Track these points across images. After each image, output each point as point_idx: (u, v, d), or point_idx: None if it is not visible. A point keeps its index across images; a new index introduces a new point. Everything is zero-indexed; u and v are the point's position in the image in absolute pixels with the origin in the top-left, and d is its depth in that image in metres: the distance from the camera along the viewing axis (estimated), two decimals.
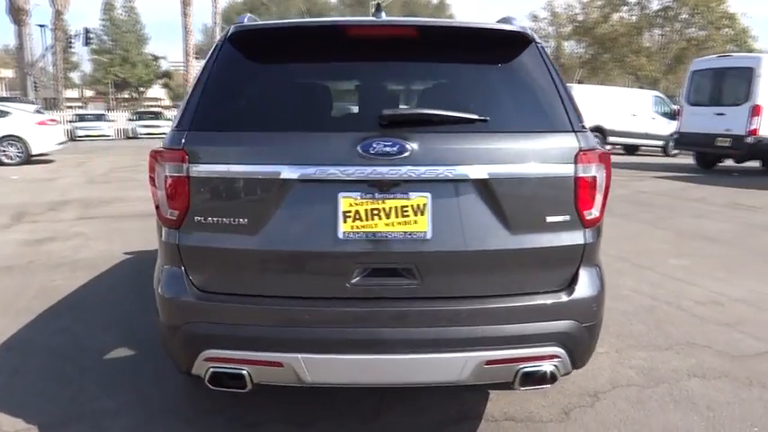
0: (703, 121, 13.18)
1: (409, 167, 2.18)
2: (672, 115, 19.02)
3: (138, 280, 5.00)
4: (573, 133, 2.34)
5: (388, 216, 2.20)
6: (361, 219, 2.20)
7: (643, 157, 19.21)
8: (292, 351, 2.20)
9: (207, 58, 2.60)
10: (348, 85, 2.47)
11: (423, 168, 2.19)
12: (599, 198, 2.36)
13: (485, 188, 2.23)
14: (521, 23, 2.57)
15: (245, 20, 2.71)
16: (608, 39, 41.73)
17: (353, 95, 2.45)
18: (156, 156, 2.36)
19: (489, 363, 2.22)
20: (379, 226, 2.20)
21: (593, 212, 2.35)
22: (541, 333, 2.26)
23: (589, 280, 2.38)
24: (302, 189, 2.21)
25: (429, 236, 2.20)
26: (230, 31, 2.50)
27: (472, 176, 2.21)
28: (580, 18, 44.04)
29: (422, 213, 2.21)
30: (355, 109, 2.41)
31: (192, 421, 2.92)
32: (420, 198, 2.21)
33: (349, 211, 2.20)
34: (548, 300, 2.30)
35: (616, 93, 19.84)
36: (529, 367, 2.26)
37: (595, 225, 2.38)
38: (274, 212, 2.22)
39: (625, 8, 42.06)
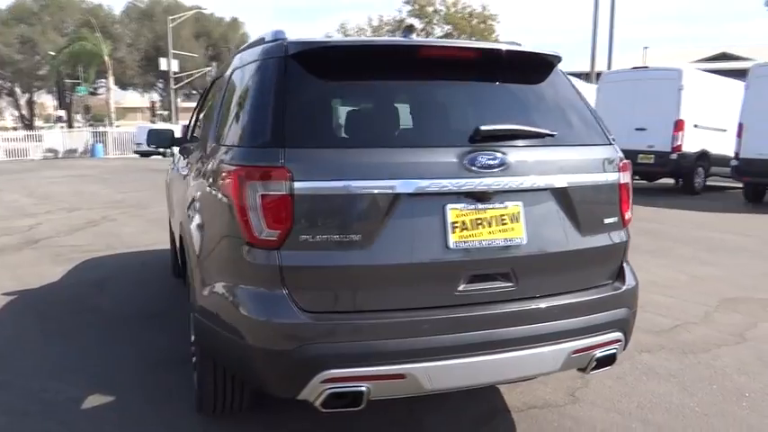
0: (620, 134, 12.84)
1: (507, 178, 2.37)
2: None
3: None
4: (612, 145, 2.71)
5: (489, 225, 2.36)
6: (467, 228, 2.33)
7: None
8: (414, 361, 2.24)
9: (257, 73, 2.54)
10: (427, 102, 2.57)
11: (518, 179, 2.39)
12: (630, 201, 2.75)
13: (563, 196, 2.49)
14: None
15: (284, 36, 2.69)
16: None
17: (435, 112, 2.56)
18: (243, 174, 2.25)
19: (575, 352, 2.48)
20: (483, 234, 2.35)
21: (628, 214, 2.74)
22: (610, 321, 2.57)
23: (630, 272, 2.76)
24: (412, 202, 2.28)
25: (524, 241, 2.41)
26: (290, 48, 2.46)
27: (556, 185, 2.47)
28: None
29: (517, 221, 2.40)
30: (444, 124, 2.52)
31: None
32: (515, 207, 2.40)
33: (457, 222, 2.32)
34: (611, 291, 2.62)
35: None
36: (602, 352, 2.55)
37: (628, 225, 2.77)
38: (385, 226, 2.26)
39: (413, 35, 45.26)
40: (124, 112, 62.98)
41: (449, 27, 44.22)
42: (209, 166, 2.79)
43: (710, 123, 12.82)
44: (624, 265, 2.75)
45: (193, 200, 2.95)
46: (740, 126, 11.23)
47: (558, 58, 2.76)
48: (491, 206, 2.37)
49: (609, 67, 22.80)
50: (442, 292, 2.34)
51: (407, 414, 3.10)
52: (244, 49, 3.28)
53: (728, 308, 4.95)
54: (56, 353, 3.92)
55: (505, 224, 2.38)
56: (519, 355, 2.37)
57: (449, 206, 2.32)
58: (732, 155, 11.47)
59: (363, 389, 2.23)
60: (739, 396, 3.36)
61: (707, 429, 2.99)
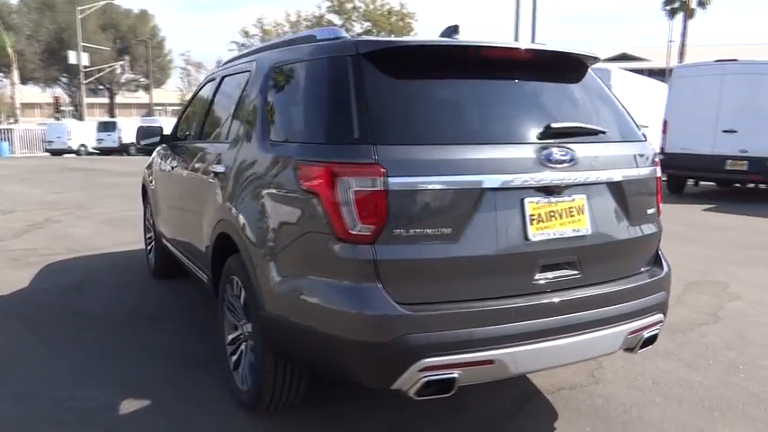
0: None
1: (576, 173, 2.55)
2: None
3: None
4: (647, 141, 2.94)
5: (560, 217, 2.53)
6: (543, 221, 2.48)
7: None
8: (501, 347, 2.37)
9: (326, 71, 2.60)
10: (495, 99, 2.68)
11: (584, 174, 2.57)
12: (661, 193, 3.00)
13: (618, 189, 2.70)
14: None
15: (343, 34, 2.75)
16: None
17: (504, 109, 2.68)
18: (336, 170, 2.30)
19: (631, 333, 2.69)
20: (556, 226, 2.52)
21: (660, 205, 2.98)
22: (655, 304, 2.80)
23: (664, 259, 3.00)
24: (494, 196, 2.41)
25: (588, 232, 2.59)
26: (361, 47, 2.53)
27: (614, 179, 2.67)
28: (289, 37, 46.06)
29: (582, 213, 2.58)
30: (514, 121, 2.64)
31: None
32: (580, 199, 2.58)
33: (534, 215, 2.47)
34: (653, 276, 2.85)
35: None
36: (649, 333, 2.78)
37: (660, 215, 3.01)
38: (472, 220, 2.38)
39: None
40: (22, 107, 59.35)
41: (368, 24, 44.51)
42: (269, 163, 2.80)
43: None
44: (659, 252, 3.00)
45: (246, 197, 2.93)
46: (665, 123, 12.07)
47: (596, 59, 2.97)
48: (561, 199, 2.53)
49: None
50: (522, 281, 2.48)
51: (453, 397, 3.22)
52: (280, 46, 3.29)
53: (695, 291, 5.38)
54: (65, 360, 3.76)
55: (573, 216, 2.56)
56: (588, 338, 2.55)
57: (527, 200, 2.46)
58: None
59: (455, 375, 2.34)
60: (735, 369, 3.71)
61: (720, 398, 3.30)
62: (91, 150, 32.09)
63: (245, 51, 4.01)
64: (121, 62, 46.77)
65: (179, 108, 64.01)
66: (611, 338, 2.63)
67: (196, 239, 3.80)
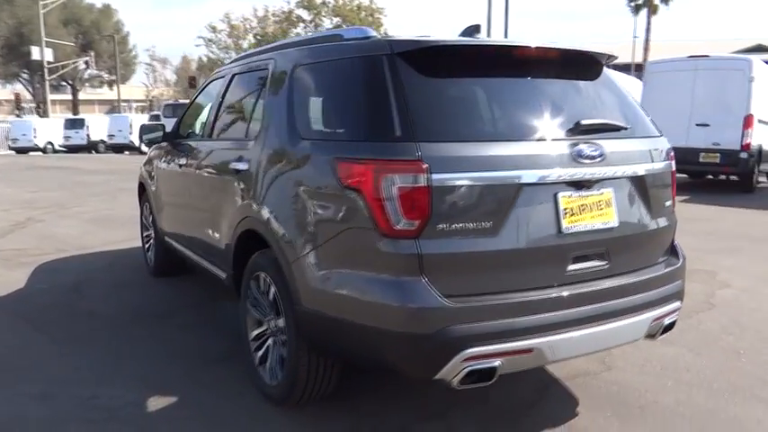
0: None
1: (605, 168, 2.65)
2: None
3: None
4: (663, 136, 3.07)
5: (590, 210, 2.63)
6: (575, 214, 2.58)
7: None
8: (539, 336, 2.46)
9: (361, 70, 2.65)
10: (526, 97, 2.76)
11: (612, 168, 2.68)
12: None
13: (641, 182, 2.81)
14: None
15: (372, 33, 2.80)
16: None
17: (535, 106, 2.76)
18: (381, 167, 2.36)
19: (654, 320, 2.81)
20: (587, 219, 2.62)
21: (675, 198, 3.11)
22: (674, 292, 2.93)
23: (679, 249, 3.13)
24: (531, 191, 2.50)
25: (615, 224, 2.70)
26: (395, 46, 2.59)
27: (638, 173, 2.78)
28: (256, 32, 45.76)
29: (609, 206, 2.69)
30: (545, 118, 2.72)
31: None
32: (608, 193, 2.69)
33: (567, 208, 2.56)
34: (672, 266, 2.98)
35: None
36: (669, 320, 2.90)
37: (675, 207, 3.14)
38: (510, 214, 2.46)
39: (302, 24, 45.04)
40: None
41: (338, 19, 44.35)
42: (301, 161, 2.84)
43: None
44: (675, 242, 3.13)
45: (277, 194, 2.97)
46: None
47: (614, 57, 3.07)
48: (591, 193, 2.63)
49: None
50: (555, 273, 2.58)
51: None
52: (301, 44, 3.32)
53: (687, 279, 5.56)
54: (82, 359, 3.74)
55: (601, 209, 2.66)
56: (618, 326, 2.66)
57: (560, 194, 2.56)
58: None
59: (497, 364, 2.42)
60: (736, 354, 3.88)
61: (727, 382, 3.45)
62: (58, 148, 31.39)
63: (257, 50, 4.02)
64: (87, 58, 45.68)
65: (145, 104, 62.70)
66: (637, 326, 2.74)
67: (211, 237, 3.82)
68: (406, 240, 2.37)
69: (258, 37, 44.83)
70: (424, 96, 2.53)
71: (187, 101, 29.79)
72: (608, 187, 2.69)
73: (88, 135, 30.95)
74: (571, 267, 2.61)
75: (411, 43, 2.61)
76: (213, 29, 48.27)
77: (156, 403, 3.18)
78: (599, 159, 2.63)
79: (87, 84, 57.75)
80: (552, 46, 2.85)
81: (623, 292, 2.70)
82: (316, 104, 3.00)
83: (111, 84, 56.47)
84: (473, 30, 3.06)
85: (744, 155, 11.30)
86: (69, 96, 57.60)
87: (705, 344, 4.02)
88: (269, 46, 3.85)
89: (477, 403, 3.20)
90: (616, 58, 3.07)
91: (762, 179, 13.34)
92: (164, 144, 4.97)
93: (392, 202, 2.36)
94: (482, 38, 3.05)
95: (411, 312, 2.37)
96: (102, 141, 31.08)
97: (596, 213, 2.65)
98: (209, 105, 4.23)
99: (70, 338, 4.08)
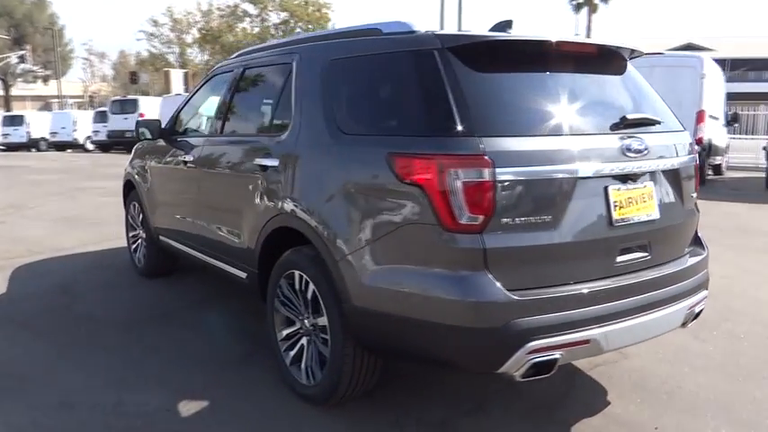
0: None
1: (648, 161, 2.73)
2: None
3: None
4: (686, 131, 3.17)
5: (636, 203, 2.70)
6: (623, 207, 2.65)
7: None
8: (595, 327, 2.51)
9: (410, 64, 2.64)
10: (573, 92, 2.79)
11: (654, 162, 2.76)
12: None
13: (675, 175, 2.90)
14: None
15: (414, 27, 2.79)
16: (235, 48, 43.51)
17: (582, 101, 2.80)
18: (445, 162, 2.36)
19: (689, 308, 2.91)
20: (633, 211, 2.68)
21: (698, 190, 3.22)
22: (703, 281, 3.04)
23: (703, 239, 3.25)
24: (585, 184, 2.54)
25: (657, 216, 2.78)
26: (445, 41, 2.59)
27: (674, 166, 2.87)
28: (200, 26, 44.84)
29: (651, 198, 2.76)
30: (592, 113, 2.77)
31: None
32: (649, 186, 2.76)
33: (617, 201, 2.62)
34: (699, 255, 3.09)
35: None
36: (699, 308, 3.01)
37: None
38: (567, 207, 2.50)
39: (248, 19, 44.35)
40: None
41: (285, 14, 43.86)
42: (347, 156, 2.81)
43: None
44: (698, 233, 3.24)
45: (319, 190, 2.92)
46: None
47: (641, 53, 3.15)
48: (636, 186, 2.71)
49: None
50: (606, 264, 2.64)
51: (505, 383, 3.36)
52: (330, 38, 3.27)
53: None
54: (91, 365, 3.60)
55: (645, 202, 2.73)
56: (662, 315, 2.74)
57: (610, 187, 2.61)
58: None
59: (558, 356, 2.46)
60: (738, 338, 4.06)
61: (738, 365, 3.61)
62: None
63: (269, 44, 3.94)
64: (22, 52, 43.71)
65: (82, 101, 60.22)
66: (677, 314, 2.83)
67: (227, 236, 3.73)
68: (471, 235, 2.38)
69: (204, 31, 43.91)
70: (478, 91, 2.54)
71: (134, 97, 28.80)
72: (649, 180, 2.77)
73: (29, 132, 29.61)
74: (619, 259, 2.67)
75: (461, 38, 2.62)
76: (155, 23, 46.98)
77: (187, 408, 3.10)
78: (644, 153, 2.70)
79: (20, 79, 55.21)
80: (594, 42, 2.91)
81: (664, 282, 2.78)
82: (359, 99, 2.96)
83: (45, 79, 54.20)
84: (505, 25, 3.07)
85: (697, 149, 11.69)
86: (1, 92, 54.94)
87: (707, 330, 4.18)
88: (285, 40, 3.78)
89: (511, 396, 3.25)
90: (642, 53, 3.15)
91: (709, 172, 13.97)
92: (157, 141, 4.81)
93: (456, 197, 2.36)
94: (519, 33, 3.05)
95: (478, 307, 2.37)
96: (44, 139, 29.77)
97: (641, 206, 2.72)
98: (217, 101, 4.11)
99: (74, 344, 3.92)
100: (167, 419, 2.99)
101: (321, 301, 2.91)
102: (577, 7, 42.13)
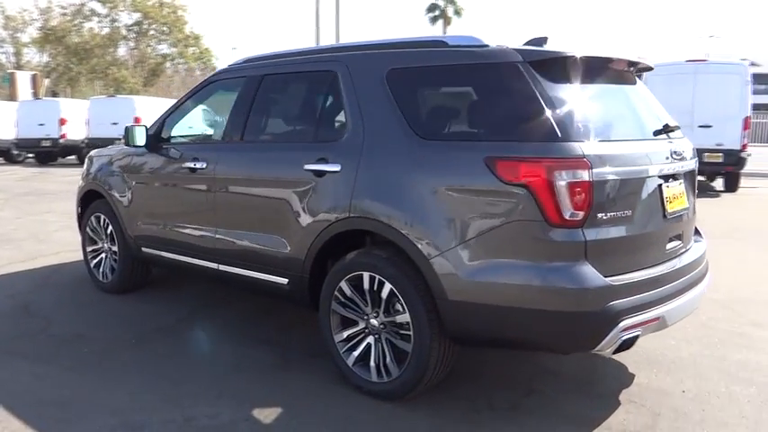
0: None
1: (683, 163, 3.19)
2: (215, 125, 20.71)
3: None
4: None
5: (677, 198, 3.15)
6: (671, 201, 3.09)
7: None
8: (662, 306, 2.92)
9: (496, 76, 2.90)
10: (626, 101, 3.18)
11: (686, 163, 3.23)
12: None
13: (692, 174, 3.41)
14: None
15: (477, 41, 3.05)
16: (82, 49, 40.64)
17: (633, 110, 3.19)
18: (553, 165, 2.64)
19: (706, 287, 3.42)
20: (676, 206, 3.14)
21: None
22: (707, 268, 3.56)
23: (700, 229, 3.79)
24: (651, 182, 2.96)
25: (688, 209, 3.25)
26: (525, 55, 2.88)
27: (693, 167, 3.37)
28: (39, 24, 41.37)
29: (683, 194, 3.24)
30: (642, 120, 3.16)
31: None
32: (682, 184, 3.23)
33: (668, 197, 3.06)
34: (701, 241, 3.61)
35: (166, 104, 20.25)
36: (708, 289, 3.54)
37: None
38: (640, 203, 2.89)
39: (96, 18, 41.58)
40: None
41: (138, 15, 41.70)
42: (432, 159, 2.98)
43: None
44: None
45: (403, 192, 3.03)
46: None
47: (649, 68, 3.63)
48: (676, 183, 3.16)
49: None
50: (662, 251, 3.06)
51: (553, 361, 3.70)
52: (388, 47, 3.41)
53: None
54: (127, 382, 3.43)
55: (681, 197, 3.20)
56: (696, 294, 3.22)
57: (663, 185, 3.04)
58: None
59: (639, 333, 2.83)
60: (706, 316, 4.68)
61: (713, 337, 4.22)
62: None
63: (293, 51, 3.95)
64: None
65: None
66: (702, 294, 3.32)
67: (262, 244, 3.71)
68: (573, 229, 2.67)
69: (45, 30, 40.45)
70: (561, 100, 2.84)
71: None
72: (681, 179, 3.24)
73: None
74: (668, 246, 3.11)
75: (536, 53, 2.91)
76: None
77: (264, 415, 3.09)
78: (682, 156, 3.17)
79: None
80: (636, 59, 3.32)
81: (694, 266, 3.27)
82: (437, 107, 3.15)
83: None
84: (542, 41, 3.39)
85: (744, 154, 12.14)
86: None
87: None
88: (312, 48, 3.84)
89: (555, 377, 3.59)
90: (652, 68, 3.63)
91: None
92: (137, 149, 4.60)
93: (562, 196, 2.64)
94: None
95: (584, 293, 2.67)
96: None
97: (680, 201, 3.18)
98: (231, 107, 4.05)
99: (86, 365, 3.68)
100: (252, 429, 2.97)
101: (401, 299, 3.05)
102: (433, 20, 44.41)
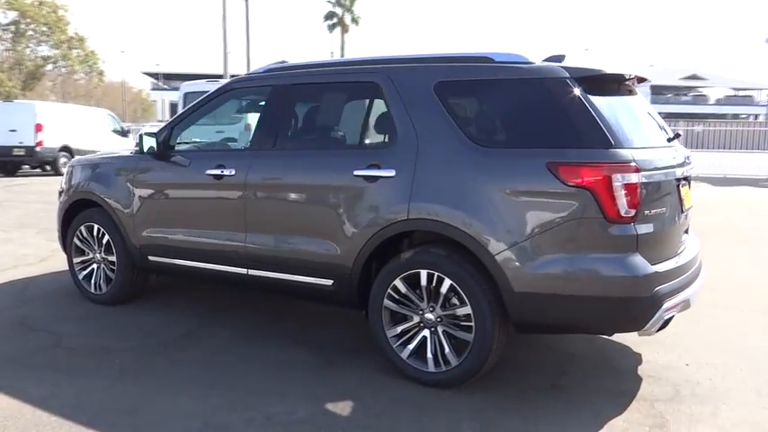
0: (204, 136, 14.11)
1: (690, 167, 3.70)
2: (122, 133, 19.93)
3: None
4: None
5: (686, 197, 3.65)
6: (684, 200, 3.59)
7: None
8: (687, 290, 3.39)
9: (548, 90, 3.25)
10: (647, 111, 3.63)
11: (691, 167, 3.74)
12: None
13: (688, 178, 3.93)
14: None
15: (521, 57, 3.42)
16: None
17: (643, 118, 3.64)
18: (613, 169, 3.02)
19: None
20: (687, 203, 3.64)
21: None
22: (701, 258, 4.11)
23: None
24: (675, 184, 3.43)
25: (691, 206, 3.77)
26: (570, 72, 3.27)
27: (691, 172, 3.90)
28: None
29: (688, 194, 3.75)
30: (652, 128, 3.62)
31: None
32: (687, 185, 3.74)
33: (683, 196, 3.55)
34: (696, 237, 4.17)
35: (76, 111, 19.19)
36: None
37: None
38: (668, 201, 3.36)
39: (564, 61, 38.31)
40: None
41: (15, 14, 38.84)
42: (490, 164, 3.28)
43: None
44: None
45: (463, 194, 3.30)
46: None
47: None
48: (686, 185, 3.66)
49: (248, 68, 24.49)
50: (680, 242, 3.54)
51: (566, 344, 4.10)
52: (432, 61, 3.68)
53: None
54: (180, 390, 3.45)
55: (688, 197, 3.71)
56: (702, 280, 3.72)
57: (680, 185, 3.53)
58: None
59: (674, 314, 3.28)
60: None
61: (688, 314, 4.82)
62: None
63: (319, 62, 4.10)
64: None
65: None
66: (704, 281, 3.85)
67: (305, 247, 3.83)
68: (628, 225, 3.08)
69: None
70: (606, 111, 3.24)
71: None
72: (685, 181, 3.75)
73: None
74: (683, 238, 3.60)
75: (581, 70, 3.30)
76: None
77: (339, 408, 3.26)
78: (689, 160, 3.68)
79: None
80: (648, 75, 3.80)
81: (697, 256, 3.78)
82: (489, 117, 3.44)
83: None
84: (560, 58, 3.78)
85: None
86: None
87: None
88: (350, 59, 4.02)
89: (575, 358, 4.01)
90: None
91: None
92: (141, 157, 4.57)
93: (619, 196, 3.04)
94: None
95: (638, 280, 3.08)
96: None
97: (688, 199, 3.68)
98: (260, 116, 4.14)
99: (125, 375, 3.64)
100: (334, 422, 3.13)
101: (463, 293, 3.33)
102: (331, 27, 44.77)
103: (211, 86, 14.79)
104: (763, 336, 4.53)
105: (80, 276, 5.08)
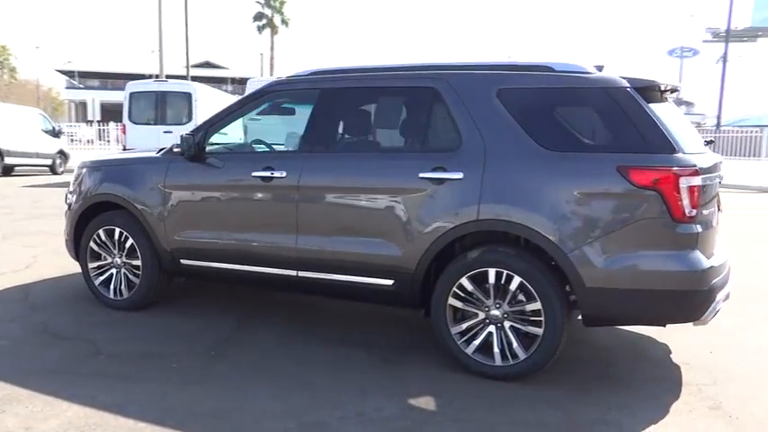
0: (151, 137, 13.35)
1: (721, 171, 4.04)
2: (54, 133, 18.98)
3: None
4: None
5: (719, 199, 3.99)
6: (720, 203, 3.92)
7: (33, 177, 18.27)
8: (730, 284, 3.72)
9: (617, 99, 3.49)
10: (679, 119, 3.89)
11: (721, 172, 4.08)
12: None
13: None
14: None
15: (577, 67, 3.67)
16: None
17: (684, 125, 3.92)
18: (680, 173, 3.29)
19: None
20: (721, 206, 3.98)
21: None
22: None
23: None
24: (717, 186, 3.75)
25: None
26: (630, 82, 3.53)
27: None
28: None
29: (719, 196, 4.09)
30: (691, 135, 3.91)
31: None
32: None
33: (719, 198, 3.88)
34: None
35: (6, 109, 17.99)
36: None
37: None
38: (712, 201, 3.68)
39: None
40: None
41: None
42: (560, 167, 3.48)
43: None
44: None
45: (535, 197, 3.48)
46: None
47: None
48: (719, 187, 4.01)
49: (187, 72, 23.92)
50: (718, 241, 3.87)
51: (594, 337, 4.36)
52: (493, 69, 3.85)
53: None
54: (254, 392, 3.45)
55: (718, 198, 4.05)
56: (731, 275, 4.07)
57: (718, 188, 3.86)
58: None
59: (722, 306, 3.59)
60: None
61: None
62: None
63: (369, 66, 4.16)
64: None
65: None
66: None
67: (367, 249, 3.91)
68: (691, 224, 3.36)
69: None
70: (664, 119, 3.51)
71: None
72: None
73: None
74: (718, 236, 3.94)
75: (639, 81, 3.56)
76: None
77: (425, 403, 3.37)
78: (720, 165, 4.02)
79: None
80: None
81: (727, 253, 4.13)
82: (553, 122, 3.61)
83: None
84: (600, 68, 4.04)
85: None
86: None
87: None
88: (405, 65, 4.08)
89: (612, 350, 4.26)
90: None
91: None
92: (173, 158, 4.50)
93: (685, 197, 3.31)
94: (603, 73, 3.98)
95: (699, 275, 3.36)
96: None
97: (719, 201, 4.02)
98: (309, 119, 4.16)
99: (191, 380, 3.60)
100: (426, 417, 3.23)
101: (533, 290, 3.51)
102: (260, 28, 44.22)
103: (158, 86, 14.76)
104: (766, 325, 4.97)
105: (96, 282, 4.91)
